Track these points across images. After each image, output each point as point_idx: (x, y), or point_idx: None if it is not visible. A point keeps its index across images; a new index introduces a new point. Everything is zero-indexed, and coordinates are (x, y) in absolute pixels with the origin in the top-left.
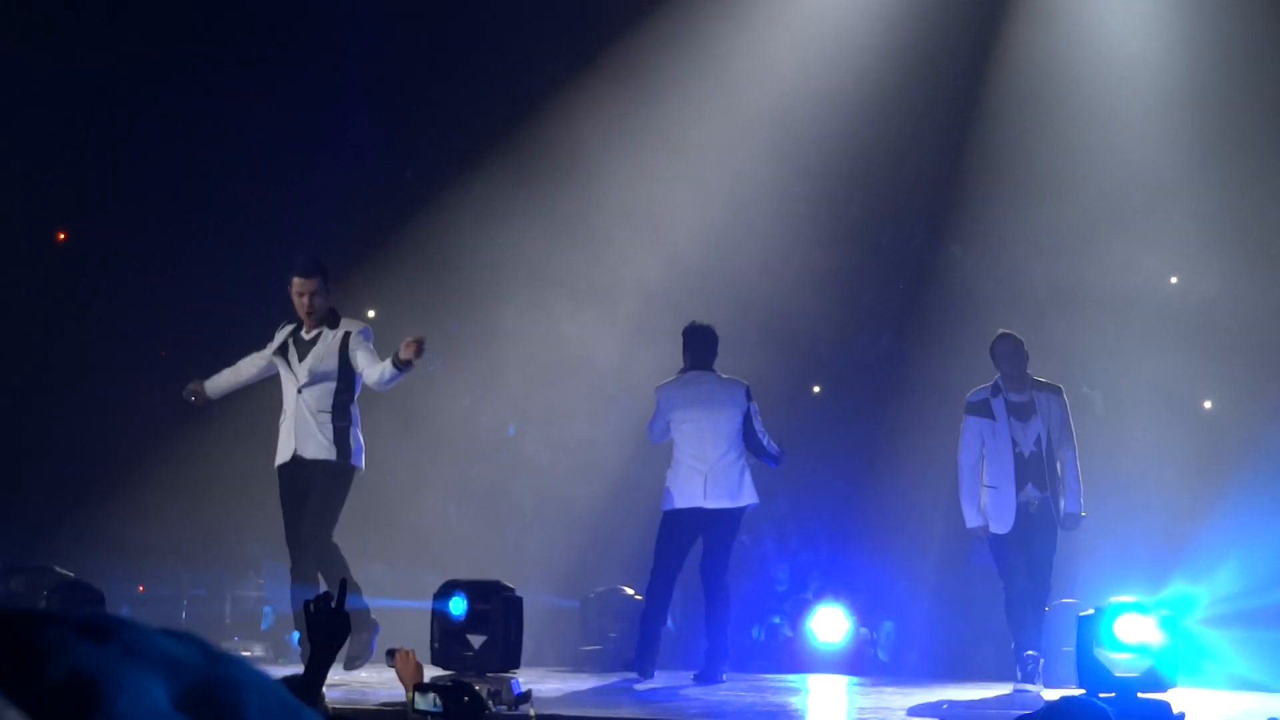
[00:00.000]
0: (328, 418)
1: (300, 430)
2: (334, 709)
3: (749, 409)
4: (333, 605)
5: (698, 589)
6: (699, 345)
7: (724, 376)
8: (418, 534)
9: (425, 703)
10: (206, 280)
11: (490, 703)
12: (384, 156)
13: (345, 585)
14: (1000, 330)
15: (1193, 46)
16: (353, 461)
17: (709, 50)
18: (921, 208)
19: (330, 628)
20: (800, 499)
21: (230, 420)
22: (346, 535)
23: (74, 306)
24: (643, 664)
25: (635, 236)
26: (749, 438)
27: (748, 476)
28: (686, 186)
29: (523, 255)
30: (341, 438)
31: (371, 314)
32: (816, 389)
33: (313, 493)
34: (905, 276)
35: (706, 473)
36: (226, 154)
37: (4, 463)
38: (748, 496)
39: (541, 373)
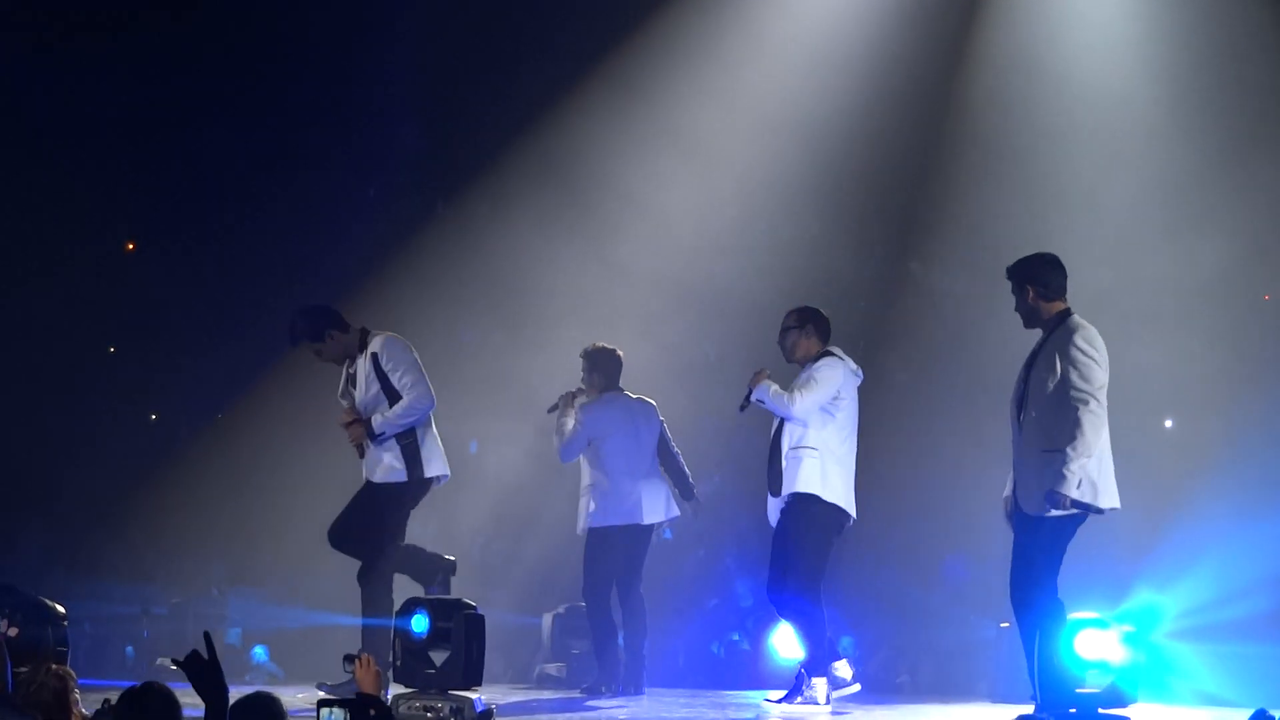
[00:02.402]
0: (390, 440)
1: (368, 457)
2: None
3: (662, 426)
4: (204, 659)
5: (664, 605)
6: (612, 366)
7: (633, 395)
8: None
9: (330, 718)
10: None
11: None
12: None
13: (209, 637)
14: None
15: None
16: (417, 474)
17: (709, 60)
18: (886, 223)
19: (213, 679)
20: (762, 514)
21: (199, 443)
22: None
23: None
24: (605, 681)
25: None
26: (667, 456)
27: (669, 490)
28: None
29: (494, 266)
30: (410, 453)
31: None
32: None
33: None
34: (868, 292)
35: (640, 488)
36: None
37: None
38: (674, 509)
39: (506, 389)
